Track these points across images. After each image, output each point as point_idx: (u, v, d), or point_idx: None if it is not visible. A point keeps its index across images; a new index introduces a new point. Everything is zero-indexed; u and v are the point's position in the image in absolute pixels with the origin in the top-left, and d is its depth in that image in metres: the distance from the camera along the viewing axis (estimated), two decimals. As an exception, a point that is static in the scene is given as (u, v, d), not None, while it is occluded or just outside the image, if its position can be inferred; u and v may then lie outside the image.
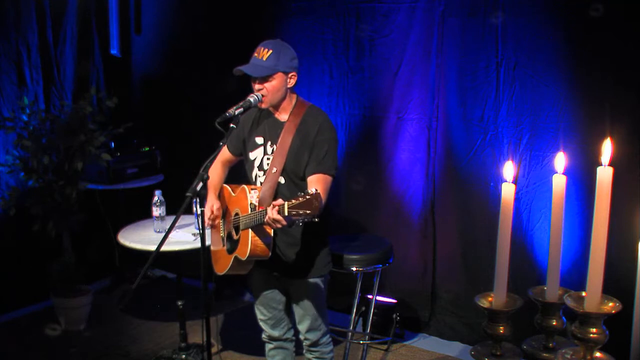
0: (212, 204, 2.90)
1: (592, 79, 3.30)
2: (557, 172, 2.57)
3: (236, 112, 2.58)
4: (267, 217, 2.38)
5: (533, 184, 3.55)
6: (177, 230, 3.58)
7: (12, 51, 4.28)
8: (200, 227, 2.54)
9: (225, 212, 2.95)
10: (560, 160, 2.58)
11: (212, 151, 2.54)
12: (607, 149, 2.24)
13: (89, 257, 4.51)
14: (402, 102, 3.96)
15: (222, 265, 2.90)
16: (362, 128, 4.14)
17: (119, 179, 4.55)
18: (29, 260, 4.36)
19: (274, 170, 2.68)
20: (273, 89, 2.65)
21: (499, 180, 3.51)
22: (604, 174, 2.17)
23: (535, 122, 3.50)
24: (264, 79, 2.63)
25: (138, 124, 4.51)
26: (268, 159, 2.75)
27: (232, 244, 2.80)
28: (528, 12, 3.44)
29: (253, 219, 2.58)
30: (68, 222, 4.09)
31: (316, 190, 2.25)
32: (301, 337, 2.95)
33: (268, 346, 3.08)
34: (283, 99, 2.71)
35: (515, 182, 2.60)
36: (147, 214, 3.80)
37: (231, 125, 2.57)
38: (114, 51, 5.02)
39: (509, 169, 2.49)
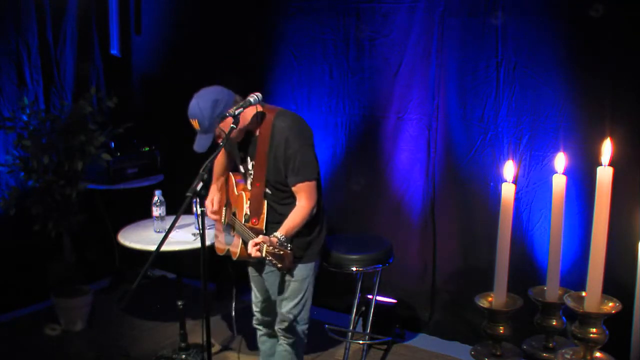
0: (212, 197, 3.01)
1: (592, 79, 3.30)
2: (557, 172, 2.57)
3: (236, 112, 2.62)
4: (249, 248, 2.57)
5: (533, 184, 3.55)
6: (177, 230, 3.58)
7: (12, 51, 4.27)
8: (200, 227, 2.54)
9: (228, 202, 3.05)
10: (560, 160, 2.58)
11: (212, 151, 2.55)
12: (607, 149, 2.25)
13: (89, 257, 4.51)
14: (402, 102, 3.96)
15: (222, 248, 3.08)
16: (362, 128, 4.14)
17: (119, 179, 4.55)
18: (29, 260, 4.35)
19: (258, 184, 2.77)
20: (230, 134, 2.62)
21: (499, 180, 3.51)
22: (604, 174, 2.17)
23: (535, 122, 3.50)
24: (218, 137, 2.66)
25: (138, 124, 4.50)
26: (251, 174, 2.83)
27: (230, 237, 2.98)
28: (528, 12, 3.44)
29: (243, 233, 2.78)
30: (68, 222, 4.09)
31: (291, 249, 2.52)
32: (277, 319, 2.97)
33: (259, 332, 3.15)
34: (247, 124, 2.73)
35: (515, 182, 2.60)
36: (147, 214, 3.80)
37: (231, 125, 2.60)
38: (114, 51, 5.02)
39: (509, 169, 2.49)
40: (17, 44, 4.30)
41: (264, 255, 2.45)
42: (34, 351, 3.94)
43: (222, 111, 2.61)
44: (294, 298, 2.90)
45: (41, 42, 4.44)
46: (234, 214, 2.92)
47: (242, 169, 2.92)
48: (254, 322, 3.15)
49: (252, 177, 2.81)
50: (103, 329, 4.22)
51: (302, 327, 2.97)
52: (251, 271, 3.06)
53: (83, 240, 4.46)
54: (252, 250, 2.51)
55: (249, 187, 2.88)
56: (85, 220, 4.20)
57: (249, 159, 2.83)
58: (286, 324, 2.93)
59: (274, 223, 2.79)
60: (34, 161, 3.96)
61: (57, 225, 4.04)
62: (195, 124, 2.65)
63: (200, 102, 2.64)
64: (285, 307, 2.92)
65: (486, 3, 3.54)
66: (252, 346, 3.85)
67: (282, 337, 2.98)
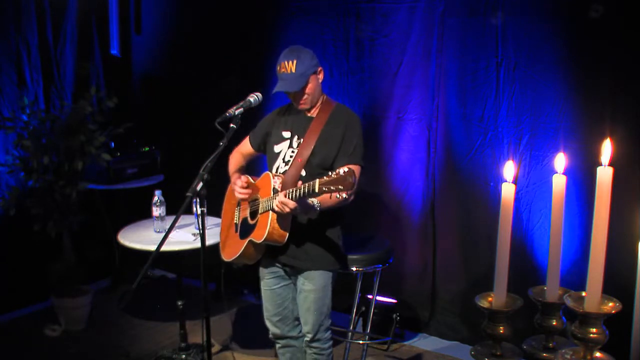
0: (240, 175, 2.96)
1: (592, 79, 3.30)
2: (557, 172, 2.57)
3: (236, 112, 2.64)
4: (276, 202, 2.50)
5: (533, 184, 3.55)
6: (177, 230, 3.58)
7: (12, 51, 4.27)
8: (200, 227, 2.54)
9: (240, 201, 2.99)
10: (560, 160, 2.58)
11: (212, 151, 2.55)
12: (607, 149, 2.24)
13: (89, 257, 4.51)
14: (402, 102, 3.96)
15: (232, 251, 2.93)
16: (362, 128, 4.13)
17: (119, 179, 4.55)
18: (29, 260, 4.35)
19: (299, 160, 2.76)
20: (311, 90, 2.78)
21: (499, 180, 3.51)
22: (604, 174, 2.17)
23: (535, 122, 3.50)
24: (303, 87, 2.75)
25: (138, 124, 4.51)
26: (293, 152, 2.81)
27: (247, 229, 2.85)
28: (528, 12, 3.44)
29: (275, 199, 2.63)
30: (68, 222, 4.09)
31: (349, 168, 2.35)
32: (303, 331, 2.96)
33: (277, 345, 3.12)
34: (319, 95, 2.84)
35: (515, 182, 2.59)
36: (147, 214, 3.80)
37: (231, 125, 2.62)
38: (114, 51, 5.02)
39: (509, 169, 2.49)
40: (17, 43, 4.30)
41: (317, 190, 2.36)
42: (34, 351, 3.94)
43: (314, 65, 2.76)
44: (315, 309, 2.86)
45: (41, 42, 4.44)
46: (254, 200, 2.85)
47: (276, 148, 2.86)
48: (270, 336, 3.09)
49: (293, 154, 2.80)
50: (103, 329, 4.22)
51: (325, 335, 2.96)
52: (263, 285, 3.01)
53: (83, 240, 4.45)
54: (280, 196, 2.46)
55: (283, 167, 2.82)
56: (85, 220, 4.20)
57: (296, 137, 2.83)
58: (310, 336, 2.92)
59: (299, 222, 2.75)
60: (34, 161, 3.96)
61: (57, 225, 4.04)
62: (291, 65, 2.72)
63: (301, 48, 2.79)
64: (306, 320, 2.90)
65: (486, 3, 3.54)
66: (251, 346, 3.85)
67: (307, 347, 2.98)
